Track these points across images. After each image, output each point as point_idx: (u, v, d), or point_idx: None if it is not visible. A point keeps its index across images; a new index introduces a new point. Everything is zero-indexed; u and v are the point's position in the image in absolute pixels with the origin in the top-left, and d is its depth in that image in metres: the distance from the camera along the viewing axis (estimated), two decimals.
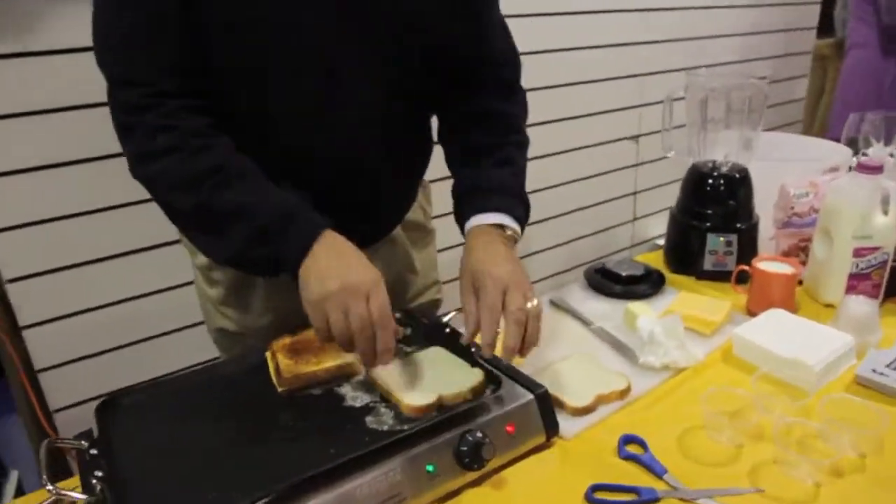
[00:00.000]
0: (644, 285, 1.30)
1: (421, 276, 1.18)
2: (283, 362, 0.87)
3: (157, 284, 1.56)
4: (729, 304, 1.18)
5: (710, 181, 1.31)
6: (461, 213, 0.97)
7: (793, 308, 1.17)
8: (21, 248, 1.39)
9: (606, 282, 1.32)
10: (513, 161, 0.98)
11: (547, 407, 0.86)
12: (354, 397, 0.84)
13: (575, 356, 1.06)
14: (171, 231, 1.02)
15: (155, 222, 0.82)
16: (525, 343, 0.84)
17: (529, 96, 1.06)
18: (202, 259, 1.04)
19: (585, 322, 1.20)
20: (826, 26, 2.99)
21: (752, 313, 1.18)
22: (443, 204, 1.08)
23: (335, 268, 0.75)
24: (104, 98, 0.78)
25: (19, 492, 1.48)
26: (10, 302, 1.41)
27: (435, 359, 0.90)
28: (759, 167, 1.32)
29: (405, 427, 0.78)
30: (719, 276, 1.31)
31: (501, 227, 0.92)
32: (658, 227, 2.63)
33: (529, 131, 1.05)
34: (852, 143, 1.40)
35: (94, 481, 0.68)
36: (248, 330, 1.05)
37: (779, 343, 1.02)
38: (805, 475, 0.80)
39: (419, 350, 0.93)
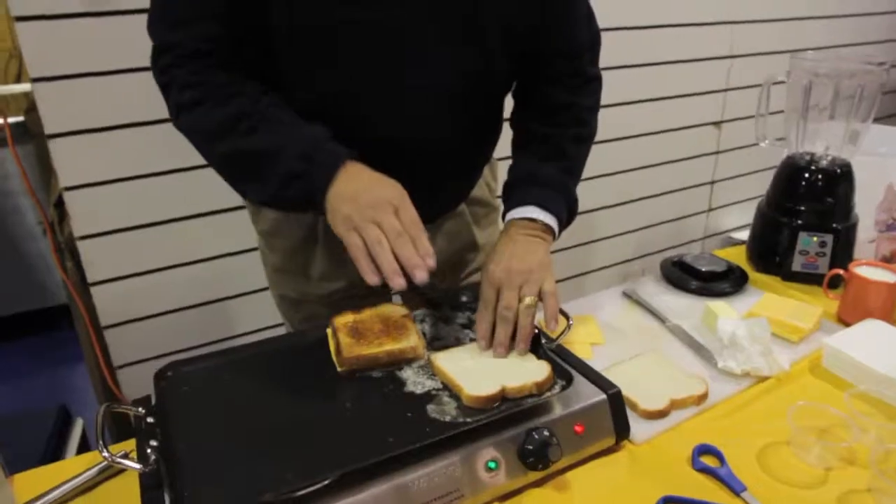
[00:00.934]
0: (725, 283, 1.23)
1: (483, 253, 1.15)
2: (343, 341, 0.85)
3: (224, 248, 1.58)
4: (820, 311, 1.09)
5: (807, 175, 1.22)
6: (504, 204, 0.98)
7: (891, 320, 1.07)
8: (93, 207, 1.42)
9: (684, 276, 1.25)
10: (566, 154, 0.97)
11: (619, 408, 0.82)
12: (416, 383, 0.82)
13: (648, 354, 1.00)
14: (237, 196, 1.03)
15: (223, 186, 0.84)
16: (514, 341, 0.85)
17: (607, 75, 1.00)
18: (263, 224, 1.04)
19: (660, 318, 1.14)
20: None
21: (844, 322, 1.09)
22: None
23: (361, 188, 0.76)
24: None
25: (83, 441, 1.53)
26: (80, 258, 1.44)
27: None
28: (862, 162, 1.22)
29: (468, 419, 0.75)
30: (809, 279, 1.22)
31: (534, 220, 0.92)
32: (734, 219, 2.51)
33: (606, 112, 1.00)
34: None
35: (149, 450, 0.67)
36: (308, 297, 1.06)
37: (876, 357, 0.94)
38: None
39: None
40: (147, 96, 1.32)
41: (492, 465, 0.73)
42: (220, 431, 0.73)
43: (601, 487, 0.77)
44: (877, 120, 1.21)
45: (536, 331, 0.88)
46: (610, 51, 1.04)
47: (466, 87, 0.89)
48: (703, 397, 0.91)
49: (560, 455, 0.74)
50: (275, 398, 0.79)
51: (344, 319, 0.90)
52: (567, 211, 0.96)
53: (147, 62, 0.82)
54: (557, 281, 2.25)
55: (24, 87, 1.51)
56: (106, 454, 0.63)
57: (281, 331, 1.16)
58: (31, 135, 1.48)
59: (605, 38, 0.99)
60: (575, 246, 2.18)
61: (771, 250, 1.26)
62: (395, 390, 0.80)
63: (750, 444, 0.84)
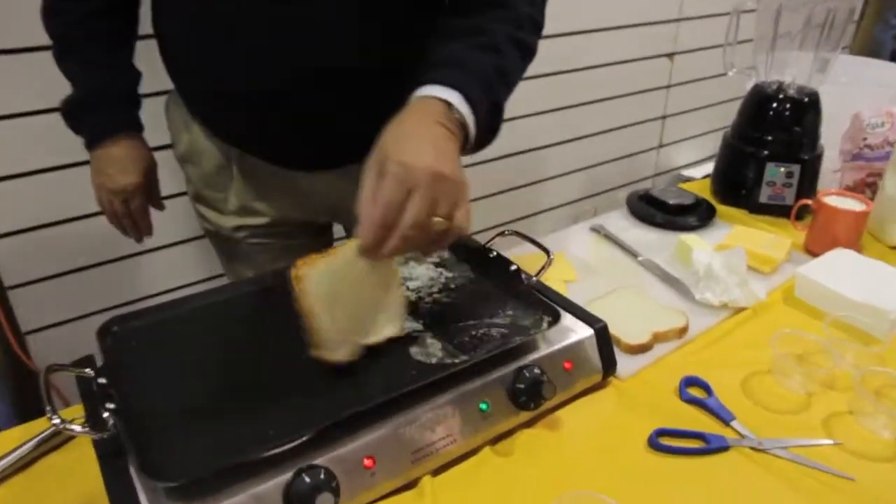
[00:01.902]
0: (693, 216, 1.24)
1: None
2: None
3: None
4: (789, 242, 1.12)
5: (775, 105, 1.22)
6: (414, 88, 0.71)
7: (859, 249, 1.11)
8: None
9: (652, 210, 1.25)
10: (500, 51, 0.74)
11: (606, 342, 0.81)
12: None
13: (625, 290, 1.00)
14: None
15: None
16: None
17: (553, 4, 0.87)
18: (178, 149, 1.02)
19: (632, 253, 1.13)
20: None
21: (812, 253, 1.12)
22: None
23: (109, 173, 0.98)
24: None
25: None
26: None
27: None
28: (828, 91, 1.23)
29: (455, 360, 0.72)
30: (775, 211, 1.24)
31: (450, 106, 0.68)
32: (685, 156, 2.55)
33: (553, 43, 0.94)
34: None
35: (106, 415, 0.62)
36: (232, 233, 1.03)
37: (848, 285, 0.97)
38: (882, 427, 0.76)
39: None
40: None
41: (483, 406, 0.71)
42: (181, 389, 0.68)
43: (592, 424, 0.77)
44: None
45: (514, 267, 0.85)
46: None
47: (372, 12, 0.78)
48: (683, 330, 0.92)
49: (554, 392, 0.73)
50: (237, 351, 0.74)
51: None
52: (488, 118, 0.72)
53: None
54: (507, 223, 2.25)
55: None
56: (56, 421, 0.57)
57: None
58: None
59: None
60: (523, 186, 2.16)
61: (737, 183, 1.28)
62: None
63: (733, 375, 0.85)
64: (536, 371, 0.73)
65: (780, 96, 1.22)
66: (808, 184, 1.23)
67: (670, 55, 2.30)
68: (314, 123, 0.87)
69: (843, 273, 1.00)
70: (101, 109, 0.95)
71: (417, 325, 0.78)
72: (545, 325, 0.78)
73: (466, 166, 0.66)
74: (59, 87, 0.93)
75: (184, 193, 1.10)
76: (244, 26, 0.80)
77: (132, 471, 0.59)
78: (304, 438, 0.60)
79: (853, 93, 1.31)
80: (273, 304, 0.79)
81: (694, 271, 1.02)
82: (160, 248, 1.55)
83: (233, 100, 0.86)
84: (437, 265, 0.90)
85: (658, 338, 0.90)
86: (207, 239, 1.10)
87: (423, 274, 0.88)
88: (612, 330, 0.87)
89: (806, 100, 1.22)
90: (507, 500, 0.67)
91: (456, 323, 0.78)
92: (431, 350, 0.74)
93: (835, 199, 1.13)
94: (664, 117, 2.42)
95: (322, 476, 0.59)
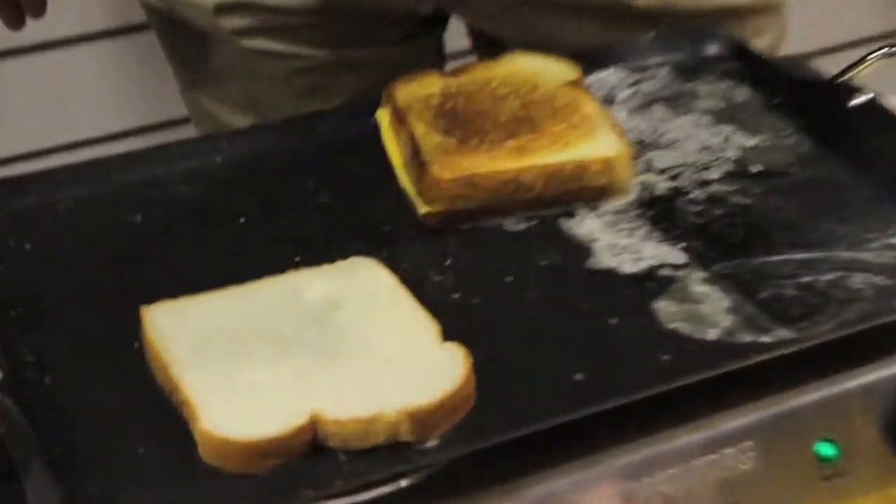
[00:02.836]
0: None
1: None
2: (430, 144, 0.41)
3: None
4: None
5: None
6: None
7: None
8: None
9: None
10: None
11: None
12: (618, 249, 0.39)
13: None
14: None
15: None
16: None
17: None
18: None
19: None
20: None
21: None
22: None
23: None
24: None
25: None
26: None
27: None
28: None
29: (767, 339, 0.33)
30: None
31: None
32: None
33: None
34: None
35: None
36: (205, 16, 0.56)
37: None
38: None
39: None
40: None
41: (826, 449, 0.32)
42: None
43: None
44: None
45: None
46: None
47: None
48: None
49: None
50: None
51: (421, 88, 0.46)
52: None
53: None
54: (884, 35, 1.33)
55: None
56: None
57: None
58: None
59: None
60: None
61: None
62: (568, 263, 0.38)
63: None
64: None
65: None
66: None
67: None
68: None
69: None
70: None
71: (675, 254, 0.38)
72: None
73: None
74: None
75: None
76: None
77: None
78: (402, 483, 0.27)
79: None
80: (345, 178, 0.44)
81: None
82: (57, 43, 0.93)
83: None
84: (718, 118, 0.48)
85: None
86: (153, 32, 0.63)
87: (685, 135, 0.47)
88: None
89: None
90: None
91: (763, 254, 0.38)
92: (707, 310, 0.35)
93: None
94: None
95: None
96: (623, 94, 0.50)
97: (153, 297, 0.34)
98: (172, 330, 0.31)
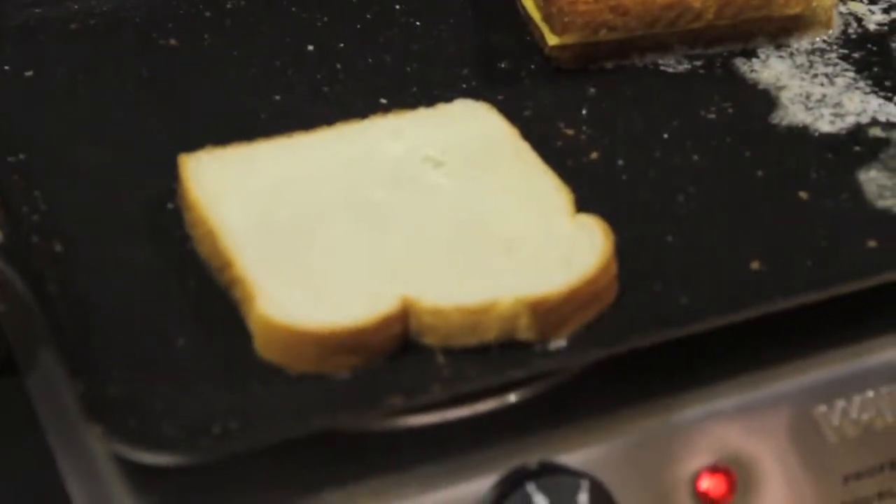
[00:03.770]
0: None
1: None
2: None
3: None
4: None
5: None
6: None
7: None
8: None
9: None
10: None
11: None
12: (803, 97, 0.33)
13: None
14: None
15: None
16: None
17: None
18: None
19: None
20: None
21: None
22: None
23: None
24: None
25: None
26: None
27: None
28: None
29: None
30: None
31: None
32: None
33: None
34: None
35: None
36: None
37: None
38: None
39: None
40: None
41: None
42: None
43: None
44: None
45: None
46: None
47: None
48: None
49: None
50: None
51: None
52: None
53: None
54: None
55: None
56: None
57: None
58: None
59: None
60: None
61: None
62: (745, 117, 0.32)
63: None
64: None
65: None
66: None
67: None
68: None
69: None
70: None
71: (889, 109, 0.34)
72: None
73: None
74: None
75: None
76: None
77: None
78: (516, 394, 0.24)
79: None
80: None
81: None
82: None
83: None
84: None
85: None
86: None
87: None
88: None
89: None
90: None
91: None
92: None
93: None
94: None
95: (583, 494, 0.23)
96: None
97: (196, 144, 0.28)
98: (222, 187, 0.26)
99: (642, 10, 0.32)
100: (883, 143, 0.31)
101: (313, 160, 0.28)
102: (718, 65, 0.34)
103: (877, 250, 0.27)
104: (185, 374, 0.22)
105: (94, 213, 0.28)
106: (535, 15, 0.35)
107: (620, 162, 0.30)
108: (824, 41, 0.35)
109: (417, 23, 0.36)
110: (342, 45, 0.35)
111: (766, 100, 0.32)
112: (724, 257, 0.27)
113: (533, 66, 0.34)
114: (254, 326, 0.23)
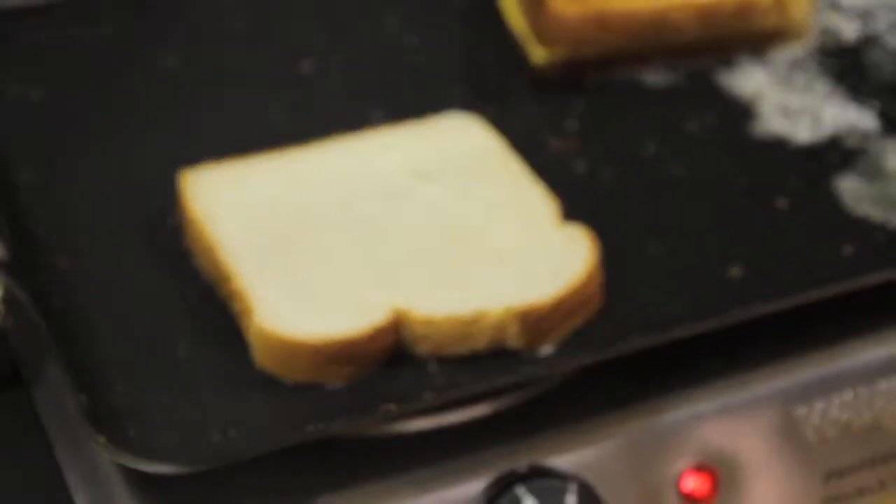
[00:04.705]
0: None
1: None
2: None
3: None
4: None
5: None
6: None
7: None
8: None
9: None
10: None
11: None
12: (788, 113, 0.35)
13: None
14: None
15: None
16: None
17: None
18: None
19: None
20: None
21: None
22: None
23: None
24: None
25: None
26: None
27: None
28: None
29: None
30: None
31: None
32: None
33: None
34: None
35: None
36: None
37: None
38: None
39: None
40: None
41: None
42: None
43: None
44: None
45: None
46: None
47: None
48: None
49: None
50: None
51: None
52: None
53: None
54: None
55: None
56: None
57: None
58: None
59: None
60: None
61: None
62: (725, 128, 0.34)
63: None
64: None
65: None
66: None
67: None
68: None
69: None
70: None
71: (865, 118, 0.36)
72: None
73: None
74: None
75: None
76: None
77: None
78: (507, 400, 0.25)
79: None
80: None
81: None
82: None
83: None
84: None
85: None
86: None
87: None
88: None
89: None
90: None
91: None
92: None
93: None
94: None
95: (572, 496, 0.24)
96: None
97: (194, 159, 0.29)
98: (220, 202, 0.27)
99: (625, 25, 0.34)
100: (860, 152, 0.32)
101: (307, 174, 0.29)
102: (699, 77, 0.35)
103: (854, 255, 0.28)
104: (186, 384, 0.23)
105: (98, 229, 0.29)
106: (524, 29, 0.36)
107: (605, 173, 0.31)
108: (802, 52, 0.36)
109: (408, 39, 0.37)
110: (335, 60, 0.36)
111: (746, 110, 0.34)
112: (706, 265, 0.28)
113: (520, 80, 0.35)
114: (252, 338, 0.24)
